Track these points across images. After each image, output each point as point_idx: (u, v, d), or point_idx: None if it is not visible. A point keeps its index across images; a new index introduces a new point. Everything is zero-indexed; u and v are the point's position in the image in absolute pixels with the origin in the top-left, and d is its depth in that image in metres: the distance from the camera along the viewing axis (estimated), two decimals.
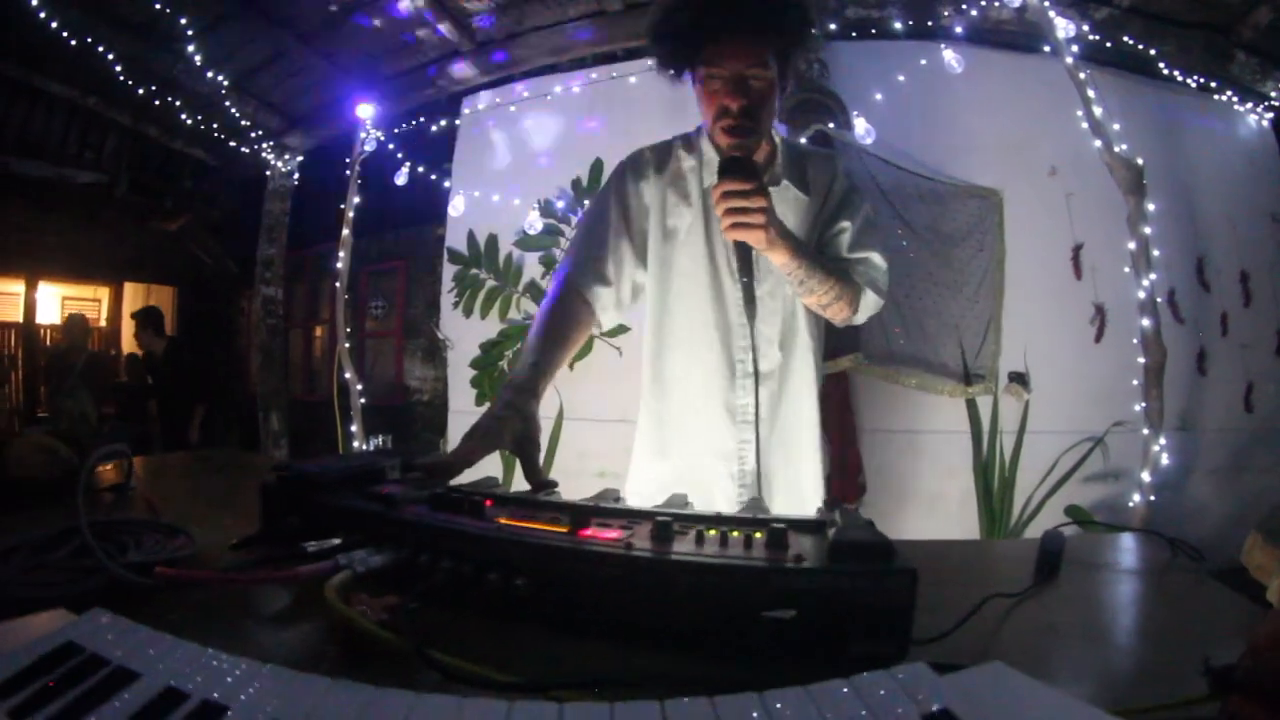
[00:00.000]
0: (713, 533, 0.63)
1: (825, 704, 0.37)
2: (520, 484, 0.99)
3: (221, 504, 1.23)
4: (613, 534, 0.63)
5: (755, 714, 0.36)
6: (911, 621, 0.54)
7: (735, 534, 0.62)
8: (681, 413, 1.41)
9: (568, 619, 0.61)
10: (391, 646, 0.53)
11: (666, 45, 1.26)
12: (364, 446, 4.35)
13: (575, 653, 0.58)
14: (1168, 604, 0.79)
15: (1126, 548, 1.01)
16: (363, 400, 4.42)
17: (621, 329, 3.21)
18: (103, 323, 8.23)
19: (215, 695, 0.43)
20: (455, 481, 0.93)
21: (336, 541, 0.74)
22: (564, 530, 0.64)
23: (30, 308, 7.60)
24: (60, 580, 0.75)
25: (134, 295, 8.63)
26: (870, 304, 1.37)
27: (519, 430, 1.09)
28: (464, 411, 4.62)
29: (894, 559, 0.55)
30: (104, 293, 8.39)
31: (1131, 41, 3.98)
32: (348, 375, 4.39)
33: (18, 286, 7.46)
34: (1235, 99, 4.44)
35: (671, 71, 1.28)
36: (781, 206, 1.27)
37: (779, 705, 0.37)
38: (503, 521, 0.67)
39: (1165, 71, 4.16)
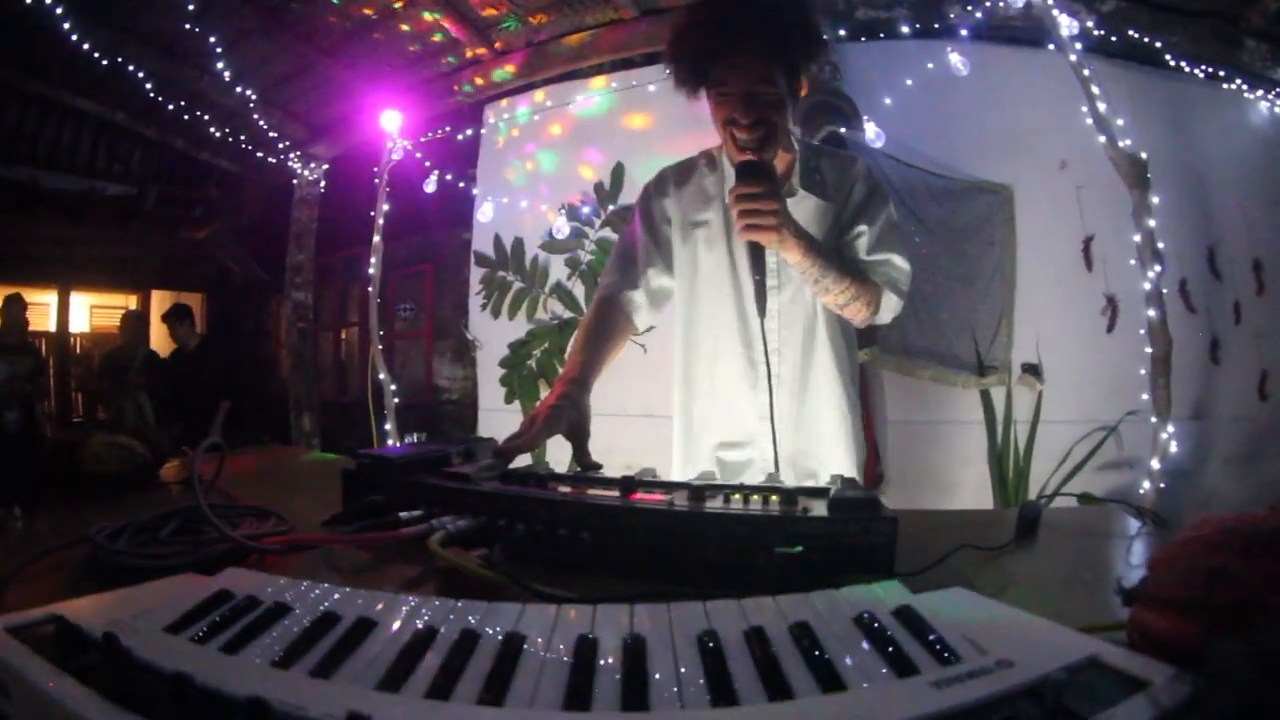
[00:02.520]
0: (737, 496, 0.78)
1: (820, 602, 0.52)
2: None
3: (285, 492, 1.38)
4: (657, 497, 0.78)
5: (770, 608, 0.51)
6: (894, 558, 0.69)
7: (755, 497, 0.77)
8: (706, 412, 1.52)
9: (623, 564, 0.76)
10: (486, 583, 0.68)
11: (682, 65, 1.35)
12: (398, 444, 4.52)
13: (629, 589, 0.72)
14: (1124, 557, 0.92)
15: (1100, 517, 1.14)
16: (396, 400, 4.60)
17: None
18: None
19: (365, 614, 0.55)
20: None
21: (420, 512, 0.89)
22: (618, 495, 0.80)
23: (63, 317, 7.86)
24: (171, 553, 0.86)
25: (162, 303, 8.82)
26: (892, 304, 1.45)
27: (573, 419, 1.23)
28: (493, 409, 4.79)
29: (880, 511, 0.70)
30: (132, 301, 8.59)
31: (1138, 35, 4.03)
32: (382, 376, 4.57)
33: (50, 296, 7.69)
34: (1245, 87, 4.45)
35: (687, 89, 1.37)
36: (799, 214, 1.35)
37: (786, 603, 0.51)
38: (566, 490, 0.82)
39: (1174, 62, 4.20)
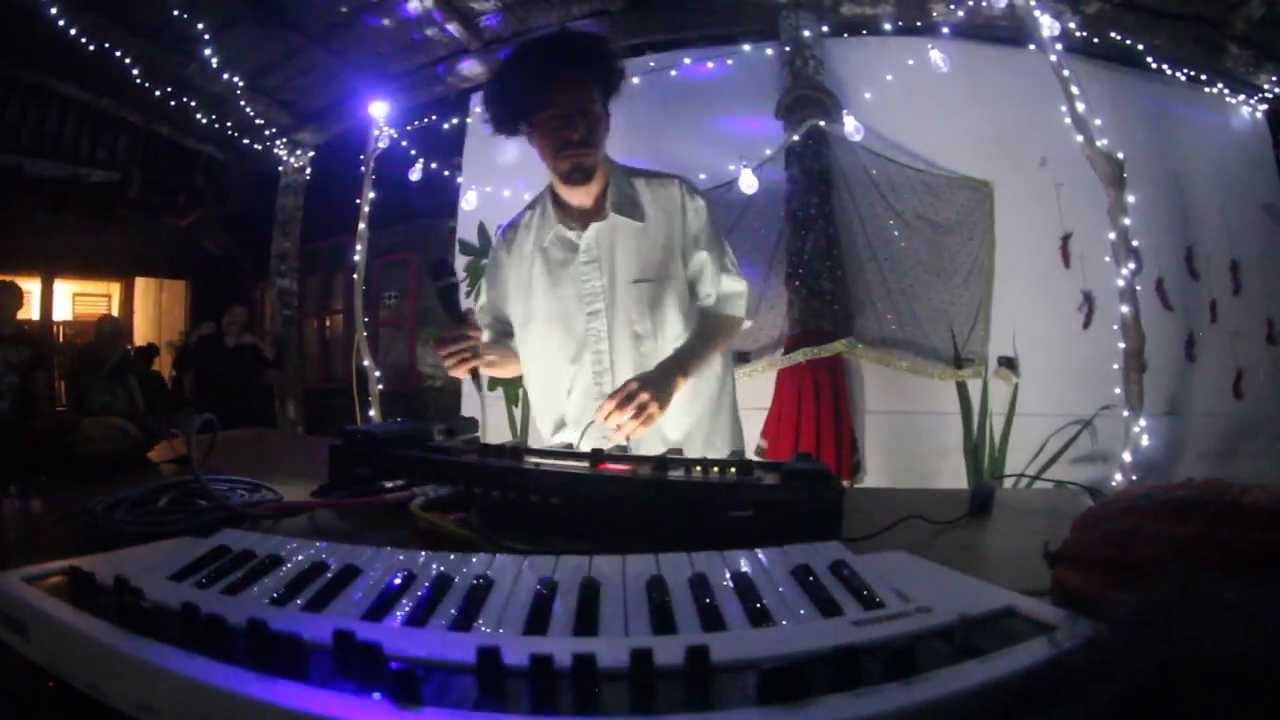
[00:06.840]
0: (698, 468, 0.83)
1: (763, 557, 0.57)
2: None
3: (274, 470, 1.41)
4: (624, 467, 0.83)
5: (717, 561, 0.56)
6: (840, 525, 0.74)
7: (715, 469, 0.82)
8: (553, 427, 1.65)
9: (591, 528, 0.80)
10: (464, 541, 0.73)
11: (510, 99, 1.48)
12: None
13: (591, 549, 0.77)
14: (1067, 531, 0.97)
15: (1053, 497, 1.20)
16: (380, 386, 4.63)
17: None
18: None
19: (351, 563, 0.60)
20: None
21: (402, 482, 0.93)
22: (586, 465, 0.85)
23: (46, 305, 7.80)
24: (166, 521, 0.89)
25: (144, 289, 8.80)
26: (741, 328, 1.64)
27: None
28: (475, 396, 4.80)
29: (830, 481, 0.75)
30: (115, 288, 8.53)
31: (1120, 37, 4.10)
32: (366, 362, 4.59)
33: (33, 284, 7.61)
34: (1227, 91, 4.52)
35: (510, 124, 1.51)
36: (609, 237, 1.52)
37: (732, 557, 0.57)
38: (538, 461, 0.87)
39: (1156, 65, 4.26)
